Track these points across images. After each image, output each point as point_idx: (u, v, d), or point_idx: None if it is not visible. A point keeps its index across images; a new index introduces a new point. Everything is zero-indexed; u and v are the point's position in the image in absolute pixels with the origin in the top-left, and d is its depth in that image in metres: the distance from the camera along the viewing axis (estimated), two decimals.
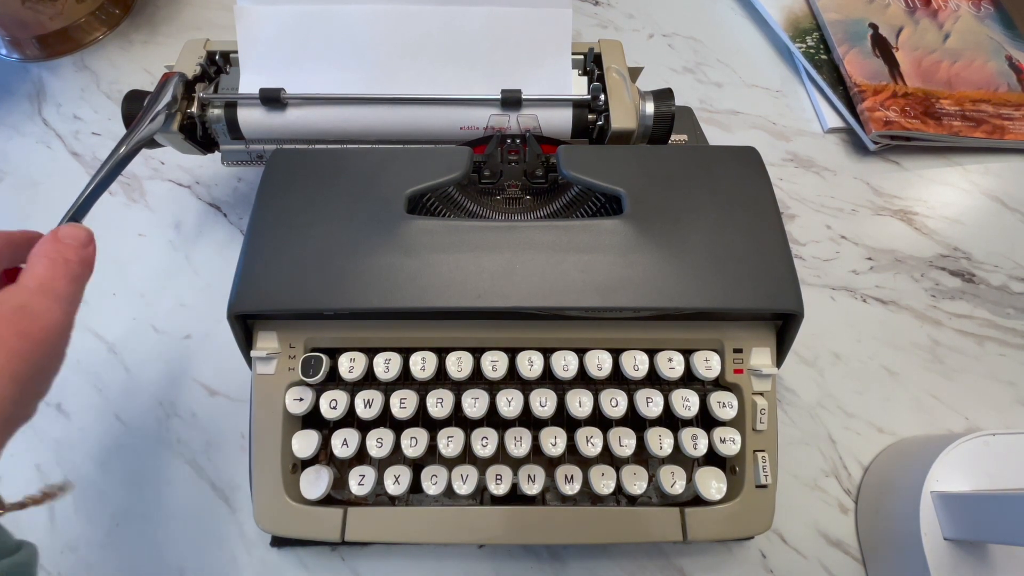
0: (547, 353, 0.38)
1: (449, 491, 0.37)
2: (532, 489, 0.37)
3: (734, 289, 0.36)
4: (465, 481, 0.37)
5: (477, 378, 0.38)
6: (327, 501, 0.38)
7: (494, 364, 0.37)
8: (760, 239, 0.37)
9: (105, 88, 0.63)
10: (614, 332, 0.38)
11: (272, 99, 0.44)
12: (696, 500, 0.38)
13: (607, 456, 0.38)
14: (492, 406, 0.37)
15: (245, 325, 0.38)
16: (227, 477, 0.45)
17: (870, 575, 0.43)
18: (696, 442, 0.37)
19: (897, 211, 0.58)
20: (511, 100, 0.44)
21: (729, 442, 0.37)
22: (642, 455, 0.38)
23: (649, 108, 0.45)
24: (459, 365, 0.37)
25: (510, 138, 0.44)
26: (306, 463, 0.39)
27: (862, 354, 0.51)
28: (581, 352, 0.38)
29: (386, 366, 0.37)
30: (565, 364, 0.37)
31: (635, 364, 0.37)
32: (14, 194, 0.57)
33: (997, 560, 0.38)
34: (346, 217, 0.37)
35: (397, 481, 0.37)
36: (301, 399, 0.37)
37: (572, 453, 0.38)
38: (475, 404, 0.37)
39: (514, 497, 0.38)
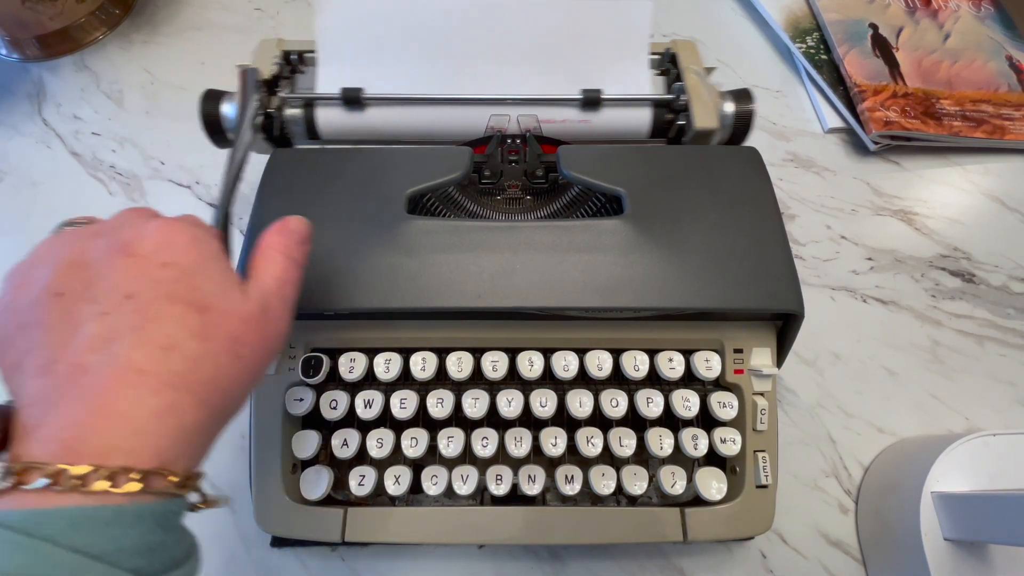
0: (547, 353, 0.38)
1: (449, 491, 0.37)
2: (532, 489, 0.37)
3: (734, 289, 0.36)
4: (465, 481, 0.37)
5: (477, 378, 0.38)
6: (327, 501, 0.38)
7: (494, 364, 0.37)
8: (760, 239, 0.37)
9: (105, 88, 0.63)
10: (614, 332, 0.38)
11: (353, 99, 0.43)
12: (696, 500, 0.38)
13: (607, 456, 0.38)
14: (492, 406, 0.37)
15: None
16: (227, 477, 0.45)
17: (870, 575, 0.43)
18: (696, 442, 0.37)
19: (897, 211, 0.58)
20: (592, 100, 0.43)
21: (729, 442, 0.37)
22: (642, 455, 0.38)
23: (729, 107, 0.44)
24: (459, 365, 0.37)
25: (510, 138, 0.44)
26: (306, 463, 0.39)
27: (862, 354, 0.51)
28: (581, 352, 0.38)
29: (386, 366, 0.37)
30: (565, 364, 0.37)
31: (635, 364, 0.37)
32: (14, 194, 0.57)
33: (997, 560, 0.38)
34: (346, 217, 0.37)
35: (397, 481, 0.37)
36: (301, 399, 0.37)
37: (572, 453, 0.38)
38: (475, 404, 0.37)
39: (514, 497, 0.38)
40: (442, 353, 0.38)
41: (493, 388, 0.38)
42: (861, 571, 0.43)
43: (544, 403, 0.37)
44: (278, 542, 0.42)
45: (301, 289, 0.29)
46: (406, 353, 0.38)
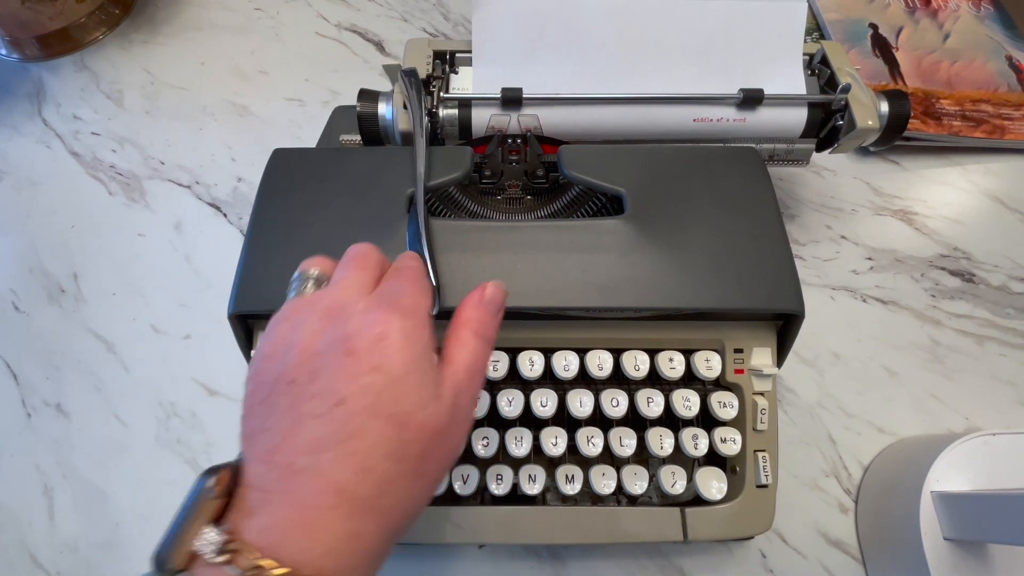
0: (548, 353, 0.38)
1: (450, 491, 0.37)
2: (533, 489, 0.37)
3: (735, 289, 0.36)
4: (466, 481, 0.37)
5: None
6: None
7: (495, 364, 0.37)
8: (761, 239, 0.37)
9: (105, 88, 0.63)
10: (615, 332, 0.38)
11: (513, 100, 0.42)
12: (696, 500, 0.38)
13: (608, 456, 0.38)
14: (493, 406, 0.37)
15: (245, 325, 0.38)
16: None
17: (870, 575, 0.43)
18: (697, 442, 0.37)
19: (897, 211, 0.58)
20: (752, 99, 0.43)
21: (730, 442, 0.37)
22: (643, 455, 0.38)
23: (884, 107, 0.44)
24: None
25: (511, 138, 0.44)
26: None
27: (862, 354, 0.51)
28: (582, 352, 0.38)
29: None
30: (566, 364, 0.37)
31: (636, 364, 0.37)
32: (14, 194, 0.57)
33: (997, 560, 0.38)
34: (346, 217, 0.37)
35: None
36: None
37: (573, 453, 0.38)
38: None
39: (515, 497, 0.38)
40: None
41: (493, 388, 0.38)
42: (861, 571, 0.43)
43: (544, 403, 0.37)
44: None
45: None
46: None
